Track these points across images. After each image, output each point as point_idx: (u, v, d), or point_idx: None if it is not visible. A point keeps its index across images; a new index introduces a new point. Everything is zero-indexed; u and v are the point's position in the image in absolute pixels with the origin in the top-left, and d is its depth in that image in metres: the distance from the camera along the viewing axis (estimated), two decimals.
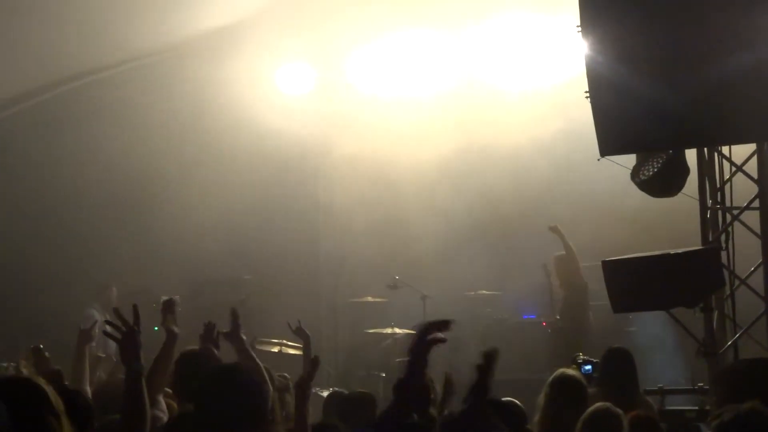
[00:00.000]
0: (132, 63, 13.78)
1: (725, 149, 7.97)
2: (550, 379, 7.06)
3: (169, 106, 13.75)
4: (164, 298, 6.06)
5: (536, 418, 6.84)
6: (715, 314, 7.82)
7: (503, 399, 7.07)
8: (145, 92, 13.72)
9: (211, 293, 13.27)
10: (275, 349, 12.27)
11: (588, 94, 7.32)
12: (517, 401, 7.21)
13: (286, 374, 8.19)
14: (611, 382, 7.70)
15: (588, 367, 8.05)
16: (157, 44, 13.60)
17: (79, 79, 13.63)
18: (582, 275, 12.53)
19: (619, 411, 6.15)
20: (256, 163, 14.03)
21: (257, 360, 6.13)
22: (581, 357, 8.27)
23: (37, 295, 13.08)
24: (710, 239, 7.76)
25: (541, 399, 6.93)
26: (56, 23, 11.61)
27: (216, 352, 6.21)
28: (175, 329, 6.19)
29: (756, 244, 7.81)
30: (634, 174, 8.02)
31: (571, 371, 7.49)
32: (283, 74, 14.74)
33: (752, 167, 7.84)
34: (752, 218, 7.85)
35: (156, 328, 6.37)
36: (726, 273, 7.75)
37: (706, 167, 7.93)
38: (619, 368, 7.91)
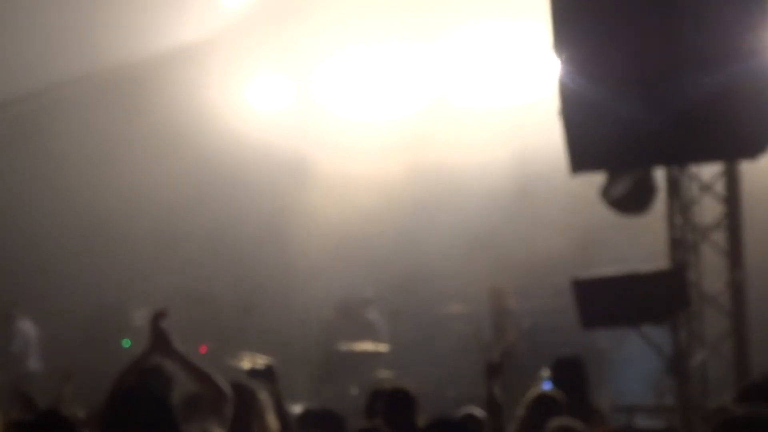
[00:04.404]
0: (98, 77, 13.70)
1: (694, 169, 8.05)
2: (529, 395, 7.09)
3: (142, 119, 13.67)
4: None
5: (513, 429, 6.88)
6: (684, 332, 7.89)
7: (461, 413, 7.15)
8: (118, 104, 13.66)
9: (181, 308, 13.14)
10: (247, 365, 12.19)
11: (560, 112, 7.35)
12: (474, 413, 7.27)
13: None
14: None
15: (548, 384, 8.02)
16: (126, 57, 13.54)
17: (42, 95, 13.54)
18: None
19: (576, 425, 6.15)
20: (228, 176, 14.01)
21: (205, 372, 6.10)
22: (545, 374, 8.26)
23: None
24: (678, 258, 7.83)
25: (520, 411, 6.97)
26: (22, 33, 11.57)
27: (168, 367, 6.14)
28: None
29: (723, 262, 7.90)
30: (605, 193, 8.08)
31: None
32: (257, 88, 14.74)
33: (721, 187, 7.94)
34: (720, 237, 7.95)
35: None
36: (694, 291, 7.83)
37: (674, 186, 8.00)
38: (566, 379, 7.68)
